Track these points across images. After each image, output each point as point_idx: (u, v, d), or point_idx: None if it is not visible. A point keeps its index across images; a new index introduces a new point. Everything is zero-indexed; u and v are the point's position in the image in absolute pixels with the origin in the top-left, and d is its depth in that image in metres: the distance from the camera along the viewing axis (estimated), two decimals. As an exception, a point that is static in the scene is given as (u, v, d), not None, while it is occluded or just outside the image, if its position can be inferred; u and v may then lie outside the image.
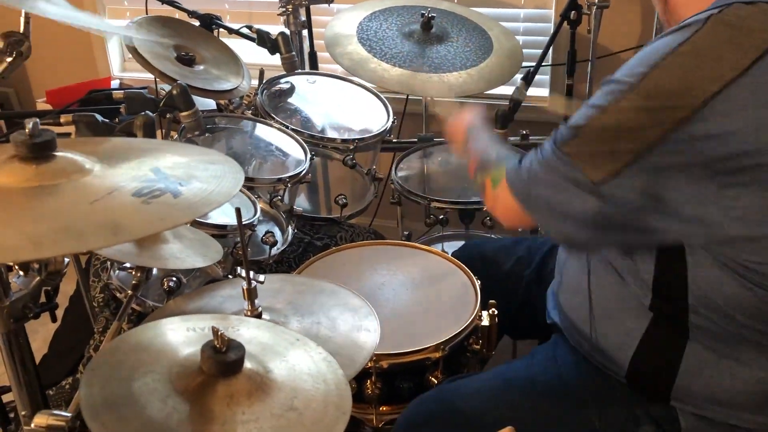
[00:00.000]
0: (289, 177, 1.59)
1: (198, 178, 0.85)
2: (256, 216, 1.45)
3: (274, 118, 1.74)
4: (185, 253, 1.14)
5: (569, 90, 2.08)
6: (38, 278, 0.96)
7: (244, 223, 1.36)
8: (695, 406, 1.04)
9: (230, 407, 0.76)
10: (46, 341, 1.93)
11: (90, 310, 1.64)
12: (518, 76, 1.93)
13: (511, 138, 1.95)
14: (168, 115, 1.49)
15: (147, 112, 1.32)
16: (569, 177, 0.96)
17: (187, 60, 1.70)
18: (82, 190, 0.77)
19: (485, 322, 1.27)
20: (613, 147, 0.92)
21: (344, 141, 1.77)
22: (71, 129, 1.31)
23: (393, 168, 1.86)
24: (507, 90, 2.03)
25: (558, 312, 1.22)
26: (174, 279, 1.36)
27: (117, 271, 1.43)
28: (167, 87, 1.53)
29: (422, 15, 1.91)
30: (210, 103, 1.90)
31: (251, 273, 0.99)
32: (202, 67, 1.74)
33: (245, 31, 1.93)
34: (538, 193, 1.03)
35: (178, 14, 1.93)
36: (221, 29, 1.92)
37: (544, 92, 2.38)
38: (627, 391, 1.09)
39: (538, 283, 1.39)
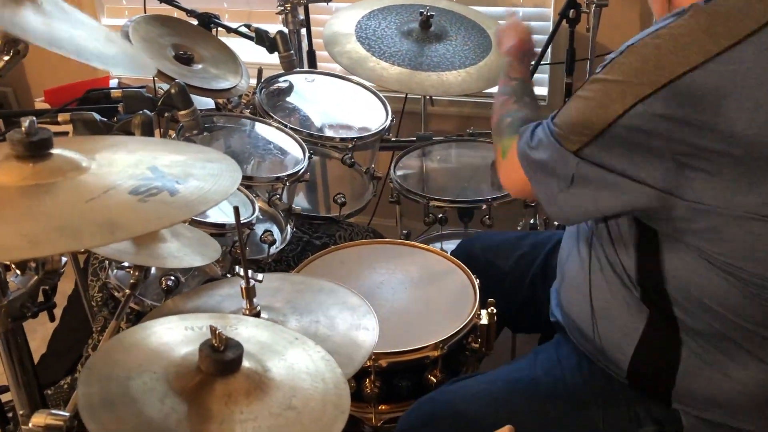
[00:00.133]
0: (288, 176, 1.58)
1: (195, 176, 0.85)
2: (255, 215, 1.44)
3: (272, 117, 1.74)
4: (183, 252, 1.14)
5: (568, 89, 2.08)
6: (36, 277, 0.95)
7: (242, 221, 1.35)
8: (697, 408, 1.04)
9: (228, 406, 0.76)
10: (44, 340, 1.92)
11: (88, 309, 1.64)
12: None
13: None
14: (166, 114, 1.48)
15: (145, 111, 1.32)
16: (554, 147, 1.02)
17: (185, 59, 1.70)
18: (78, 189, 0.77)
19: (484, 320, 1.27)
20: (586, 118, 0.97)
21: (343, 140, 1.77)
22: (69, 128, 1.31)
23: (392, 167, 1.86)
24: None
25: (560, 310, 1.22)
26: (172, 278, 1.36)
27: (115, 270, 1.43)
28: (165, 86, 1.53)
29: (421, 13, 1.91)
30: (208, 102, 1.89)
31: (250, 272, 0.99)
32: (200, 66, 1.74)
33: (244, 29, 1.93)
34: (536, 161, 1.07)
35: (176, 13, 1.93)
36: (220, 28, 1.92)
37: (543, 90, 2.38)
38: (629, 392, 1.09)
39: (543, 279, 1.38)
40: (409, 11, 1.98)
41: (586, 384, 1.13)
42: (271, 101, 1.85)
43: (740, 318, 0.97)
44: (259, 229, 1.55)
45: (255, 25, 1.93)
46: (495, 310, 1.27)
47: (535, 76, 1.92)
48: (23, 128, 0.78)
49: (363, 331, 1.04)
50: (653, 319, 1.04)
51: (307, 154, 1.66)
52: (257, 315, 1.01)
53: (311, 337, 0.91)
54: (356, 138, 1.77)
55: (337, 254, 1.48)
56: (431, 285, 1.38)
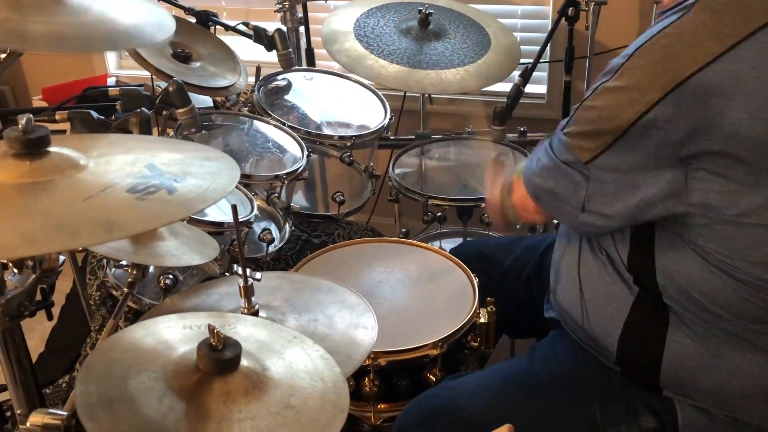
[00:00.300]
0: (286, 174, 1.58)
1: (193, 174, 0.84)
2: (253, 213, 1.44)
3: (270, 115, 1.73)
4: (182, 250, 1.14)
5: (567, 87, 2.08)
6: (33, 276, 0.95)
7: (240, 220, 1.36)
8: (689, 397, 1.06)
9: (227, 405, 0.75)
10: (43, 339, 1.92)
11: (86, 308, 1.63)
12: (516, 73, 1.93)
13: (510, 135, 1.95)
14: (164, 112, 1.48)
15: (143, 108, 1.32)
16: (566, 159, 1.02)
17: (183, 57, 1.70)
18: (76, 187, 0.77)
19: (483, 319, 1.27)
20: (598, 127, 0.96)
21: (341, 138, 1.76)
22: (67, 126, 1.30)
23: (390, 165, 1.85)
24: (505, 87, 2.03)
25: (555, 306, 1.23)
26: (170, 277, 1.35)
27: (113, 269, 1.43)
28: (163, 84, 1.52)
29: (419, 11, 1.91)
30: (206, 100, 1.89)
31: (248, 270, 0.99)
32: (198, 64, 1.73)
33: (242, 27, 1.93)
34: (544, 181, 1.08)
35: (174, 11, 1.92)
36: (218, 26, 1.91)
37: (542, 89, 2.37)
38: (625, 384, 1.10)
39: (538, 280, 1.39)
40: (407, 9, 1.98)
41: (583, 377, 1.13)
42: (270, 99, 1.84)
43: (730, 314, 0.98)
44: (258, 227, 1.54)
45: (253, 23, 1.92)
46: (494, 309, 1.27)
47: (534, 74, 1.91)
48: (20, 126, 0.78)
49: (362, 330, 1.04)
50: (639, 304, 1.05)
51: (306, 153, 1.66)
52: (255, 314, 1.01)
53: (310, 335, 0.91)
54: (355, 136, 1.77)
55: (336, 253, 1.47)
56: (430, 283, 1.38)
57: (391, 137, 2.04)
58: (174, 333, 0.87)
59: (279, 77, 1.93)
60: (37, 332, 1.97)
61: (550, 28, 2.04)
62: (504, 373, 1.18)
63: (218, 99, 1.85)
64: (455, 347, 1.24)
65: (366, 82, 1.95)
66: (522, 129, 1.99)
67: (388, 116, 1.86)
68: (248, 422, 0.74)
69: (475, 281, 1.34)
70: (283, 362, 0.83)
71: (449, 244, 1.94)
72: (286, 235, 1.60)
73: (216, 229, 1.36)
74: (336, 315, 1.07)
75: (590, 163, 0.98)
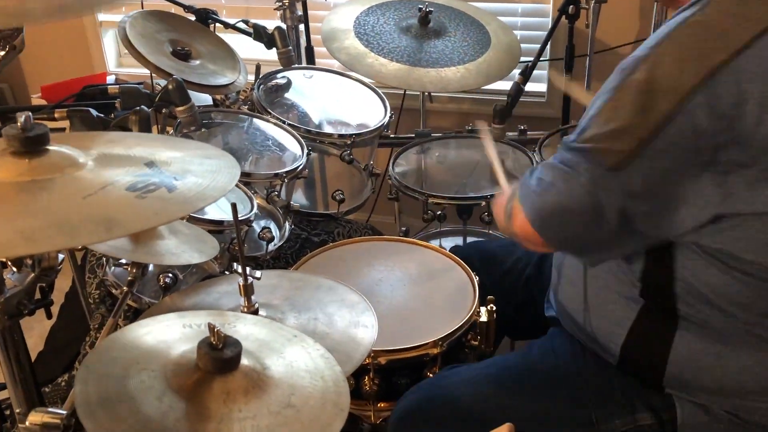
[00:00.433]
0: (286, 172, 1.58)
1: (193, 172, 0.84)
2: (253, 211, 1.44)
3: (270, 113, 1.73)
4: (181, 248, 1.13)
5: (567, 85, 2.07)
6: (32, 274, 0.95)
7: (240, 218, 1.35)
8: (690, 393, 1.05)
9: (227, 405, 0.75)
10: (42, 338, 1.92)
11: (86, 306, 1.63)
12: (516, 71, 1.93)
13: (510, 133, 1.95)
14: (164, 110, 1.48)
15: (142, 106, 1.32)
16: (587, 169, 0.92)
17: (183, 55, 1.69)
18: (75, 185, 0.76)
19: (483, 318, 1.27)
20: (628, 123, 0.89)
21: (341, 136, 1.76)
22: (66, 124, 1.30)
23: (390, 163, 1.85)
24: (505, 85, 2.02)
25: (556, 305, 1.22)
26: (170, 275, 1.35)
27: (113, 268, 1.42)
28: (163, 82, 1.52)
29: (419, 9, 1.90)
30: (206, 98, 1.89)
31: (248, 269, 0.98)
32: (198, 62, 1.73)
33: (241, 25, 1.92)
34: (549, 201, 0.98)
35: (173, 9, 1.92)
36: (217, 24, 1.91)
37: (542, 87, 2.37)
38: (624, 379, 1.10)
39: (538, 280, 1.38)
40: (407, 7, 1.98)
41: (580, 372, 1.13)
42: (269, 97, 1.84)
43: (746, 312, 0.97)
44: (258, 225, 1.54)
45: (253, 20, 1.92)
46: (494, 308, 1.27)
47: (534, 72, 1.91)
48: (19, 124, 0.78)
49: (362, 329, 1.04)
50: (648, 310, 1.05)
51: (306, 151, 1.65)
52: (255, 312, 1.01)
53: (310, 334, 0.91)
54: (355, 134, 1.76)
55: (336, 251, 1.47)
56: (430, 282, 1.38)
57: (391, 135, 2.04)
58: (174, 332, 0.86)
59: (279, 75, 1.92)
60: (36, 331, 1.97)
61: (550, 26, 2.04)
62: (501, 365, 1.18)
63: (218, 97, 1.85)
64: (455, 346, 1.24)
65: (366, 80, 1.95)
66: (522, 127, 1.99)
67: (388, 114, 1.86)
68: (248, 421, 0.74)
69: (476, 280, 1.34)
70: (284, 361, 0.83)
71: (449, 242, 1.94)
72: (286, 234, 1.59)
73: (216, 227, 1.36)
74: (336, 314, 1.06)
75: (618, 169, 0.90)
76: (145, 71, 1.61)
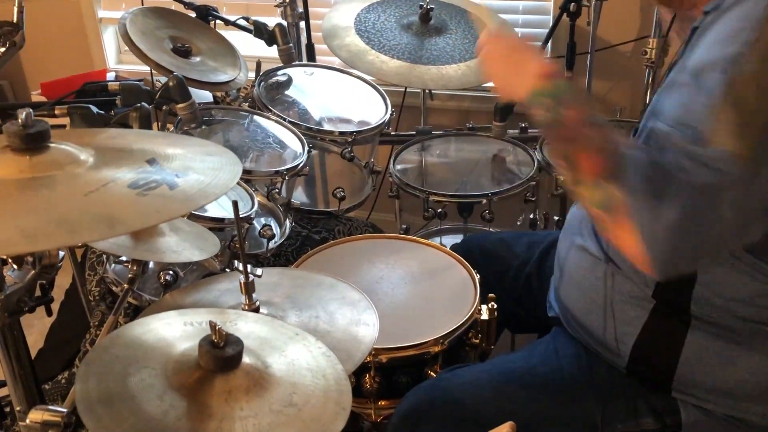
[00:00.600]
0: (287, 170, 1.57)
1: (195, 169, 0.84)
2: (254, 209, 1.43)
3: (271, 111, 1.72)
4: (182, 246, 1.13)
5: (568, 83, 2.07)
6: (33, 272, 0.94)
7: (241, 216, 1.34)
8: (697, 396, 1.05)
9: (228, 403, 0.75)
10: (42, 335, 1.92)
11: (86, 304, 1.63)
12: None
13: (511, 131, 1.95)
14: (164, 107, 1.47)
15: (143, 103, 1.31)
16: (726, 170, 0.81)
17: (183, 52, 1.69)
18: (76, 182, 0.76)
19: (485, 316, 1.27)
20: (750, 119, 0.81)
21: (342, 134, 1.75)
22: (66, 121, 1.30)
23: (391, 161, 1.85)
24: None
25: (558, 304, 1.22)
26: (171, 273, 1.35)
27: (113, 265, 1.42)
28: (163, 79, 1.51)
29: (421, 6, 1.90)
30: (206, 95, 1.88)
31: (249, 267, 0.98)
32: (198, 59, 1.72)
33: (242, 22, 1.92)
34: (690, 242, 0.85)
35: (174, 5, 1.91)
36: (218, 20, 1.90)
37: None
38: (627, 382, 1.09)
39: (539, 277, 1.38)
40: (408, 4, 1.97)
41: (584, 374, 1.13)
42: (270, 94, 1.83)
43: (762, 312, 0.97)
44: (258, 223, 1.54)
45: (253, 17, 1.91)
46: (495, 306, 1.27)
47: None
48: (20, 120, 0.77)
49: (363, 327, 1.03)
50: (658, 312, 1.04)
51: (306, 148, 1.65)
52: (257, 310, 1.00)
53: (311, 332, 0.90)
54: (355, 132, 1.76)
55: (337, 249, 1.47)
56: (431, 280, 1.37)
57: (392, 133, 2.04)
58: (174, 330, 0.86)
59: (279, 72, 1.92)
60: (36, 328, 1.97)
61: (551, 23, 2.04)
62: (503, 366, 1.18)
63: (218, 94, 1.85)
64: (456, 344, 1.24)
65: (367, 77, 1.95)
66: (523, 125, 1.99)
67: (389, 112, 1.86)
68: (250, 420, 0.74)
69: (477, 277, 1.34)
70: (285, 359, 0.83)
71: (450, 240, 1.94)
72: (287, 231, 1.59)
73: (216, 224, 1.35)
74: (337, 311, 1.06)
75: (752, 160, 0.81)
76: (146, 68, 1.61)
